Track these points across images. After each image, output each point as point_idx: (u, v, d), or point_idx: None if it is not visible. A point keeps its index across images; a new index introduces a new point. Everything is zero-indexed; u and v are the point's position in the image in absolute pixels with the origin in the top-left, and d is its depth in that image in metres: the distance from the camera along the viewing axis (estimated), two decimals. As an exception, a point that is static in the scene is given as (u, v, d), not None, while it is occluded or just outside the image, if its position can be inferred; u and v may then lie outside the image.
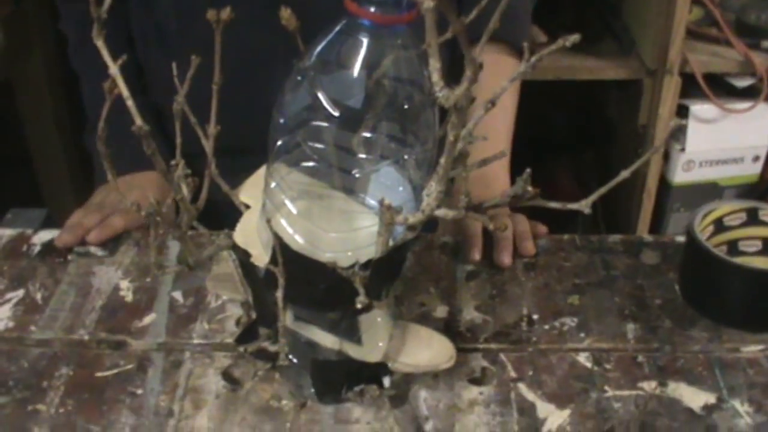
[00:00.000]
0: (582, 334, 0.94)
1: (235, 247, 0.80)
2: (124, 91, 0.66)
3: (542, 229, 1.09)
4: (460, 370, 0.89)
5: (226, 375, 0.89)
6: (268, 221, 0.74)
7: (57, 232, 1.09)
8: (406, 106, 0.71)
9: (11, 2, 1.99)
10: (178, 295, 1.00)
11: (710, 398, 0.86)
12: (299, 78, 0.72)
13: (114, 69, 0.66)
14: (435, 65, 0.57)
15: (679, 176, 1.95)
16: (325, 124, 0.71)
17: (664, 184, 1.98)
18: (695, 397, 0.86)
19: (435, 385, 0.87)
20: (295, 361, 0.84)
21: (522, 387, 0.87)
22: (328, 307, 0.78)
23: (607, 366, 0.90)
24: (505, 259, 1.03)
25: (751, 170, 1.99)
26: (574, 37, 0.63)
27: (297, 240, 0.75)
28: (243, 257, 0.80)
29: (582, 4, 2.05)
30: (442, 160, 0.68)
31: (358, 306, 0.73)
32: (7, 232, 1.11)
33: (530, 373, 0.89)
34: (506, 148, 1.19)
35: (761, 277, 0.93)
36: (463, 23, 0.54)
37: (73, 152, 2.23)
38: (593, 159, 2.35)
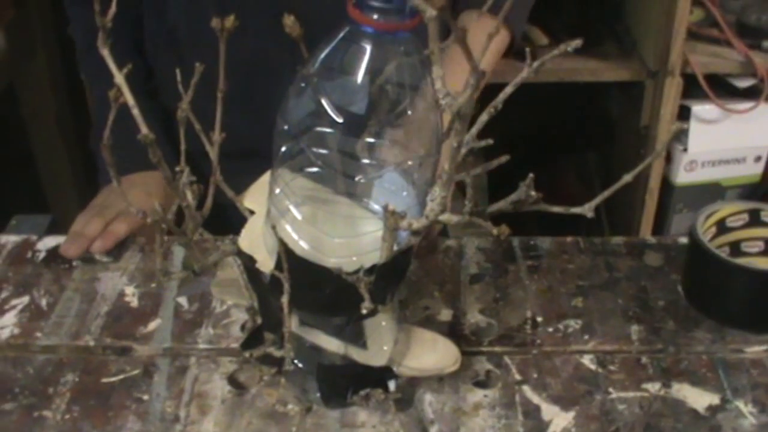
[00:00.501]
0: (586, 336, 0.94)
1: (240, 253, 0.81)
2: (130, 99, 0.67)
3: None
4: (465, 373, 0.89)
5: (232, 380, 0.89)
6: (273, 227, 0.74)
7: (61, 238, 1.09)
8: (409, 112, 0.71)
9: (14, 6, 1.99)
10: (183, 300, 1.00)
11: (714, 399, 0.87)
12: (303, 84, 0.72)
13: (119, 78, 0.66)
14: (438, 72, 0.58)
15: (682, 177, 1.96)
16: (328, 129, 0.71)
17: (666, 184, 1.98)
18: (699, 398, 0.87)
19: (440, 389, 0.87)
20: (300, 365, 0.84)
21: (527, 389, 0.88)
22: (333, 311, 0.78)
23: (612, 368, 0.90)
24: None
25: (754, 170, 2.00)
26: (576, 42, 0.64)
27: (302, 245, 0.75)
28: (248, 263, 0.80)
29: (583, 5, 2.05)
30: (446, 166, 0.68)
31: (364, 311, 0.73)
32: (12, 239, 1.11)
33: (535, 375, 0.89)
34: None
35: (764, 278, 0.94)
36: (465, 31, 0.54)
37: (77, 156, 2.23)
38: (596, 160, 2.36)
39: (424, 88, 0.71)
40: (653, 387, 0.88)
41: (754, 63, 1.79)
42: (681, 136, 1.90)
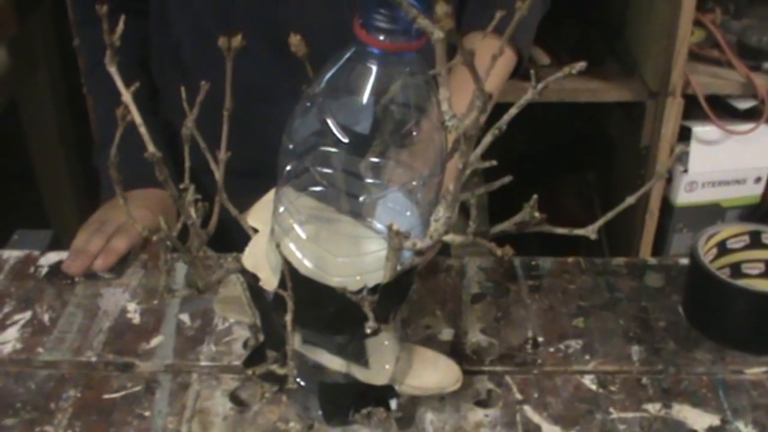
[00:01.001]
0: (587, 357, 0.95)
1: (243, 271, 0.81)
2: (137, 117, 0.67)
3: None
4: (466, 392, 0.89)
5: (234, 397, 0.89)
6: (277, 245, 0.75)
7: (64, 253, 1.09)
8: (414, 132, 0.72)
9: (17, 22, 2.00)
10: (185, 317, 1.00)
11: (714, 420, 0.87)
12: (308, 104, 0.73)
13: (127, 96, 0.67)
14: (444, 94, 0.58)
15: (682, 197, 1.96)
16: (333, 149, 0.72)
17: (666, 204, 1.98)
18: (699, 419, 0.87)
19: (441, 408, 0.88)
20: (302, 383, 0.84)
21: (527, 409, 0.88)
22: (336, 330, 0.79)
23: (612, 388, 0.90)
24: None
25: (754, 191, 2.00)
26: (581, 65, 0.64)
27: (305, 264, 0.75)
28: (251, 281, 0.80)
29: (584, 25, 2.06)
30: (451, 186, 0.68)
31: (367, 330, 0.73)
32: (15, 254, 1.12)
33: (536, 395, 0.90)
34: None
35: (764, 300, 0.94)
36: (473, 53, 0.55)
37: (78, 171, 2.23)
38: (596, 180, 2.36)
39: (429, 108, 0.71)
40: (653, 407, 0.88)
41: (755, 84, 1.80)
42: (681, 156, 1.90)
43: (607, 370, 0.93)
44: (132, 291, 1.05)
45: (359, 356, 0.80)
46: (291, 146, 0.74)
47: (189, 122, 0.76)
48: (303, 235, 0.76)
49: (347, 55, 0.71)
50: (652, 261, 1.11)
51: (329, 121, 0.71)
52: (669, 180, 1.96)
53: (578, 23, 2.04)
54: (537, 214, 0.73)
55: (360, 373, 0.81)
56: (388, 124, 0.71)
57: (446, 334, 0.98)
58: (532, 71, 0.71)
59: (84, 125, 1.85)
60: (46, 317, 1.00)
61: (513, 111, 0.69)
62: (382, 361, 0.81)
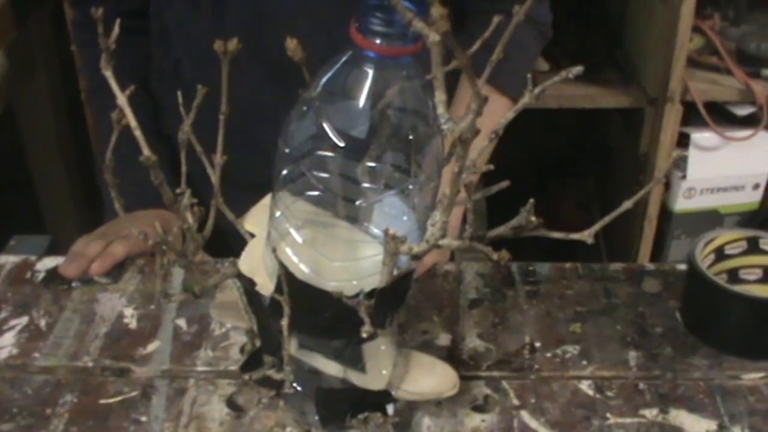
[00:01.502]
0: (584, 362, 0.94)
1: (240, 276, 0.81)
2: (132, 121, 0.67)
3: None
4: (463, 397, 0.89)
5: (230, 402, 0.89)
6: (273, 250, 0.75)
7: (61, 259, 1.09)
8: (410, 137, 0.72)
9: (15, 28, 2.00)
10: (182, 322, 1.00)
11: (711, 425, 0.87)
12: (305, 108, 0.72)
13: (122, 99, 0.66)
14: (441, 97, 0.58)
15: (680, 203, 1.96)
16: (330, 153, 0.71)
17: (665, 211, 1.98)
18: (696, 425, 0.87)
19: (438, 413, 0.87)
20: (299, 388, 0.84)
21: (524, 414, 0.88)
22: (333, 335, 0.78)
23: (609, 393, 0.90)
24: None
25: (752, 198, 2.00)
26: (578, 69, 0.64)
27: (302, 269, 0.75)
28: (248, 285, 0.80)
29: (584, 32, 2.06)
30: (447, 191, 0.68)
31: (364, 335, 0.73)
32: (11, 259, 1.11)
33: (533, 400, 0.89)
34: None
35: (761, 306, 0.94)
36: (469, 57, 0.55)
37: (76, 178, 2.23)
38: (594, 186, 2.36)
39: (426, 112, 0.71)
40: (650, 413, 0.88)
41: (754, 91, 1.80)
42: (680, 163, 1.90)
43: (604, 375, 0.93)
44: (129, 296, 1.04)
45: (356, 361, 0.80)
46: (287, 150, 0.74)
47: (186, 126, 0.75)
48: (299, 240, 0.76)
49: (343, 59, 0.71)
50: (650, 267, 1.11)
51: (325, 125, 0.71)
52: (667, 186, 1.96)
53: (578, 30, 2.04)
54: (533, 219, 0.73)
55: (357, 378, 0.81)
56: (385, 129, 0.71)
57: (443, 339, 0.97)
58: (529, 76, 0.71)
59: (82, 131, 1.85)
60: (42, 322, 1.00)
61: (510, 115, 0.69)
62: (379, 366, 0.81)
